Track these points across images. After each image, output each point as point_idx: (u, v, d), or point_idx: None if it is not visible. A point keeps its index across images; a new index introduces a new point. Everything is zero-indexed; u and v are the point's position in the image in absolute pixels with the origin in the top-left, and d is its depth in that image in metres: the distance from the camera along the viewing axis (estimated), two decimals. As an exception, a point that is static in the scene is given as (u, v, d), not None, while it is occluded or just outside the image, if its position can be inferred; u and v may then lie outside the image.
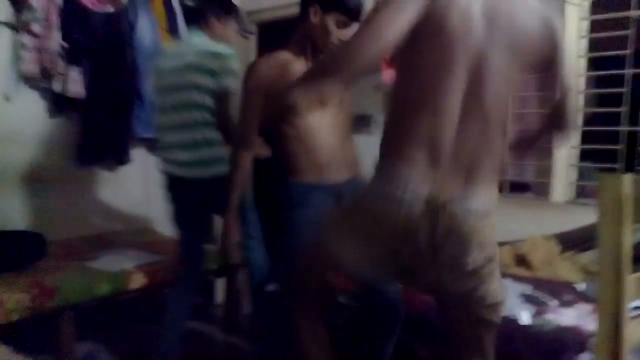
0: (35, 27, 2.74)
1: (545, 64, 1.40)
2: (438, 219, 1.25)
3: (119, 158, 3.21)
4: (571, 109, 1.47)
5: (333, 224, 1.47)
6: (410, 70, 1.29)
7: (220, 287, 3.24)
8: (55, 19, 2.79)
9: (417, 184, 1.25)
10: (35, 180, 2.93)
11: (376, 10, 1.24)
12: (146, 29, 3.14)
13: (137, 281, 2.46)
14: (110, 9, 3.03)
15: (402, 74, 1.33)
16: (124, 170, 3.28)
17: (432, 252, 1.28)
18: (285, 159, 1.82)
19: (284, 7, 3.36)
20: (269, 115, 1.78)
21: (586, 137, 2.90)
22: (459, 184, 1.26)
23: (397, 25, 1.20)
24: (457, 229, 1.26)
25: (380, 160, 1.34)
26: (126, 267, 2.47)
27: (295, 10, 1.89)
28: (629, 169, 2.55)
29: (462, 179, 1.27)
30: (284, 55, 1.85)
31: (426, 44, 1.24)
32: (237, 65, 2.17)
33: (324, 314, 1.64)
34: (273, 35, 2.52)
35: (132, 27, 3.09)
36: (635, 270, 1.12)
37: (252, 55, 3.62)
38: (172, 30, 3.30)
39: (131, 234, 3.17)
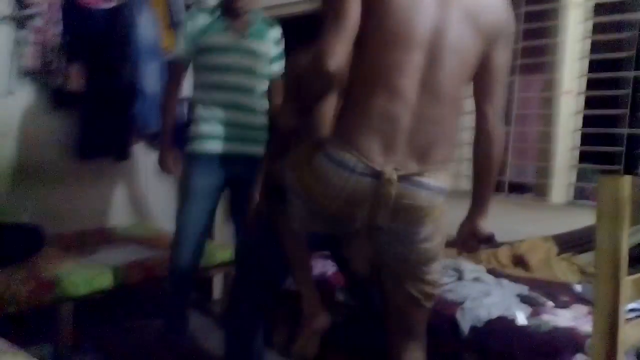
0: (36, 22, 2.74)
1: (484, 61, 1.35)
2: (388, 190, 1.25)
3: (119, 154, 3.21)
4: (497, 139, 1.40)
5: (290, 184, 1.43)
6: (365, 50, 1.28)
7: (218, 282, 3.24)
8: (56, 14, 2.79)
9: (370, 157, 1.25)
10: (35, 174, 2.93)
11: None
12: (147, 25, 3.13)
13: (135, 276, 2.47)
14: (111, 4, 3.03)
15: (357, 54, 1.30)
16: (124, 166, 3.28)
17: (378, 220, 1.29)
18: None
19: (289, 5, 3.36)
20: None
21: (586, 139, 2.91)
22: (412, 163, 1.27)
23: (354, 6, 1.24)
24: (406, 202, 1.27)
25: (336, 132, 1.33)
26: (124, 262, 2.47)
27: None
28: (628, 171, 2.56)
29: (415, 160, 1.28)
30: None
31: (377, 24, 1.25)
32: None
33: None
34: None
35: (133, 23, 3.09)
36: (631, 273, 1.12)
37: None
38: (174, 26, 3.30)
39: (130, 228, 3.18)
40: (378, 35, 1.26)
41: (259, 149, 2.12)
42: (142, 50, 3.10)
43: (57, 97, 2.97)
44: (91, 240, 2.85)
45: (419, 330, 1.51)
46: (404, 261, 1.38)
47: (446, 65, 1.26)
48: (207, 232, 2.27)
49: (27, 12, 2.71)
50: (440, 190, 1.31)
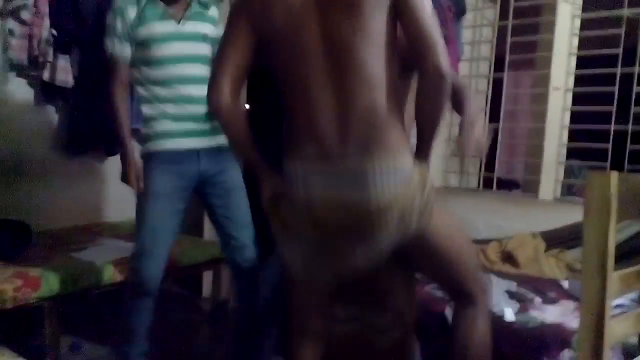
0: (25, 14, 2.70)
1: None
2: (336, 209, 1.26)
3: (108, 149, 3.17)
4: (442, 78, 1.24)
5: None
6: (280, 77, 1.34)
7: (207, 279, 3.23)
8: (44, 6, 2.75)
9: (310, 178, 1.27)
10: (22, 169, 2.90)
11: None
12: (137, 18, 3.11)
13: (124, 273, 2.45)
14: (101, -4, 2.99)
15: (278, 82, 1.36)
16: (113, 161, 3.25)
17: (337, 240, 1.30)
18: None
19: None
20: None
21: (575, 135, 2.93)
22: (355, 161, 1.24)
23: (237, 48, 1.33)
24: (358, 216, 1.26)
25: (285, 154, 1.35)
26: (113, 259, 2.45)
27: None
28: (617, 167, 2.58)
29: (359, 155, 1.24)
30: None
31: (273, 47, 1.31)
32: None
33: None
34: None
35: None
36: (618, 268, 1.13)
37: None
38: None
39: (118, 225, 3.15)
40: (278, 58, 1.31)
41: (220, 140, 1.98)
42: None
43: (45, 91, 2.93)
44: (79, 236, 2.82)
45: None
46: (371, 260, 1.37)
47: (351, 60, 1.25)
48: (175, 235, 2.06)
49: (15, 4, 2.67)
50: (394, 180, 1.24)
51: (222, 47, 1.35)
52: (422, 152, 1.34)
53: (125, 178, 2.05)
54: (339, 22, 1.25)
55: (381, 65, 1.26)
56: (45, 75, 2.83)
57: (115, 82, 1.99)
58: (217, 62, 1.36)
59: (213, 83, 1.33)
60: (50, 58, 2.80)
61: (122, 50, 1.95)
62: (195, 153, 1.98)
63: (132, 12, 1.91)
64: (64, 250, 2.54)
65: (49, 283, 2.18)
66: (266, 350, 1.99)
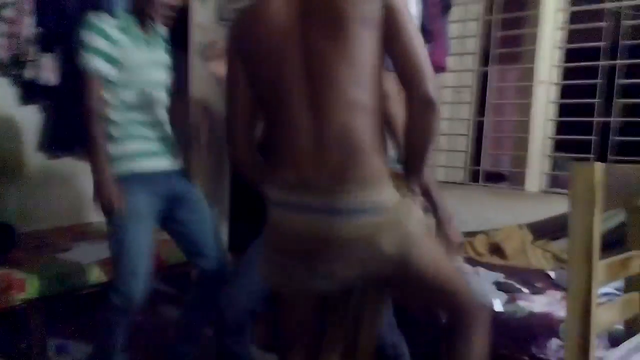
0: (7, 12, 2.67)
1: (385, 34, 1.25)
2: (310, 230, 1.23)
3: (93, 148, 3.14)
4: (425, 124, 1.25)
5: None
6: (259, 95, 1.33)
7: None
8: (28, 4, 2.72)
9: (284, 209, 1.27)
10: (6, 170, 2.86)
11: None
12: (122, 15, 3.07)
13: (110, 273, 2.43)
14: (84, -6, 2.96)
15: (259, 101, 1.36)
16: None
17: (310, 261, 1.26)
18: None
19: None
20: None
21: (562, 128, 2.95)
22: (330, 193, 1.21)
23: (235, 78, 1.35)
24: (329, 238, 1.21)
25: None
26: (99, 259, 2.43)
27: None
28: (602, 159, 2.60)
29: (334, 181, 1.21)
30: None
31: (257, 81, 1.31)
32: None
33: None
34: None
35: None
36: (604, 257, 1.14)
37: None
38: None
39: (103, 226, 3.12)
40: (261, 81, 1.31)
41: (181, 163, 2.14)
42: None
43: (29, 90, 2.89)
44: (64, 237, 2.79)
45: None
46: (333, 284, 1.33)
47: (330, 84, 1.22)
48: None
49: (-3, 2, 2.64)
50: (364, 210, 1.20)
51: (229, 92, 1.36)
52: (410, 177, 1.32)
53: (103, 198, 1.92)
54: (321, 45, 1.22)
55: (363, 90, 1.23)
56: (28, 73, 2.80)
57: (94, 97, 1.89)
58: (228, 111, 1.37)
59: (230, 137, 1.37)
60: (33, 56, 2.77)
61: (103, 68, 1.89)
62: (167, 174, 2.04)
63: (114, 34, 1.91)
64: (48, 251, 2.51)
65: (34, 284, 2.16)
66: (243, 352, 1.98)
